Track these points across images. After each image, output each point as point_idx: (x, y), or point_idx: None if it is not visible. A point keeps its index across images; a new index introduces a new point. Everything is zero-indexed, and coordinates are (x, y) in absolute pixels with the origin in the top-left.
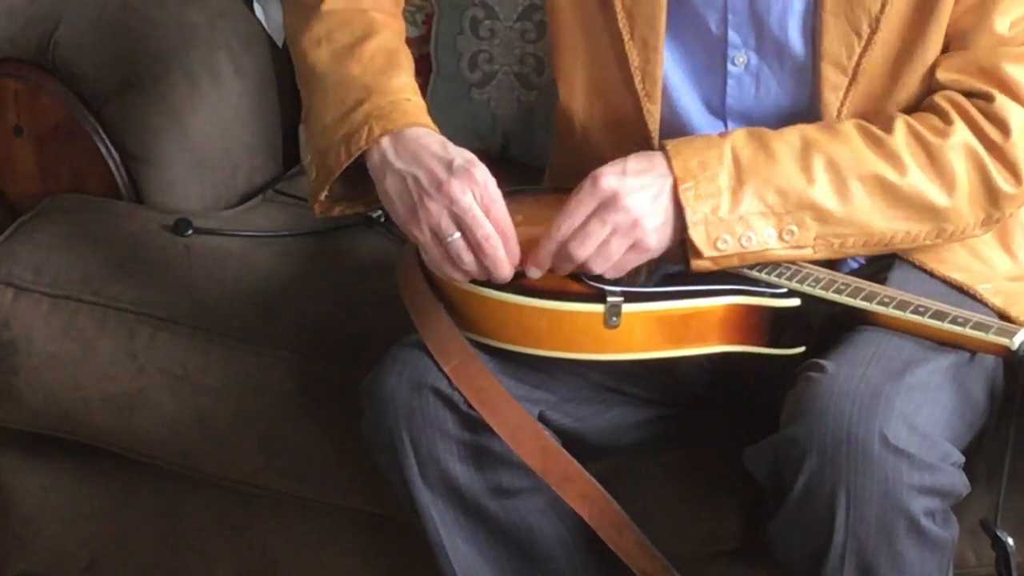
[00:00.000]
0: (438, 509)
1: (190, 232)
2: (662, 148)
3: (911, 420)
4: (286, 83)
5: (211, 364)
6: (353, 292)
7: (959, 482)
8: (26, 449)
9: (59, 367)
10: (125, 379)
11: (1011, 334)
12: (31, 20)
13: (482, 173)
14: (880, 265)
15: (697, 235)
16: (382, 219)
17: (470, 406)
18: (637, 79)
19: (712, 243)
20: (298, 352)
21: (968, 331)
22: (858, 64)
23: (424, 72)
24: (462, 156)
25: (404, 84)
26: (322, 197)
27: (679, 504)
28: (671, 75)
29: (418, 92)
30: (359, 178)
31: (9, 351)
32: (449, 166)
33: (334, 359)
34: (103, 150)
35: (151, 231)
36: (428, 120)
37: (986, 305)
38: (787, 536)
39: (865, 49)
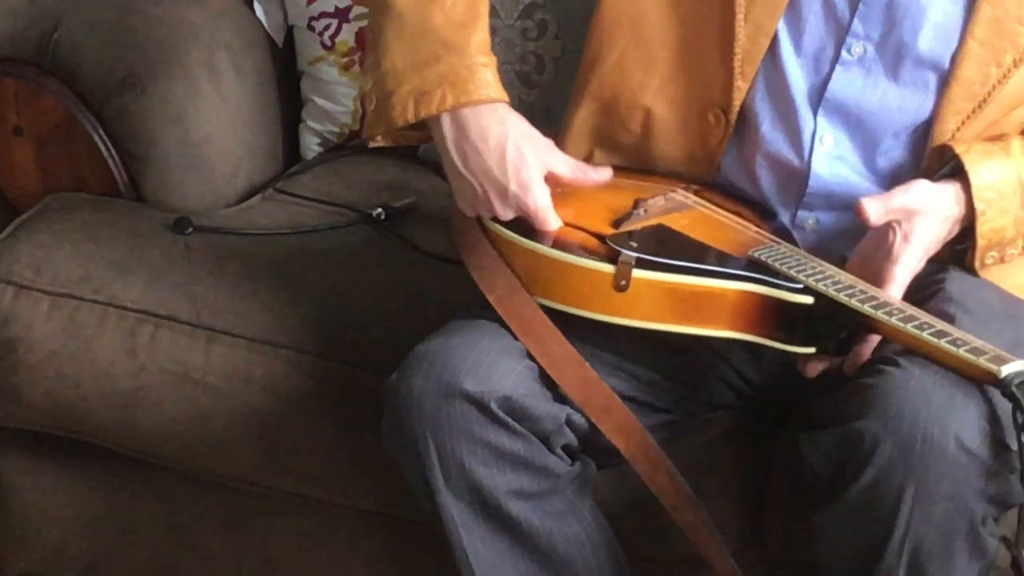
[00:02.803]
0: (459, 511)
1: (190, 230)
2: (958, 169)
3: (986, 424)
4: (286, 83)
5: (211, 362)
6: (354, 290)
7: (1017, 492)
8: (26, 449)
9: (59, 365)
10: (125, 377)
11: (1003, 362)
12: (31, 20)
13: (534, 198)
14: (937, 267)
15: (978, 257)
16: (382, 217)
17: (501, 406)
18: (737, 60)
19: (983, 260)
20: (298, 350)
21: (961, 353)
22: (989, 95)
23: None
24: (516, 178)
25: (482, 42)
26: (379, 138)
27: None
28: (779, 53)
29: (490, 49)
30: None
31: (9, 349)
32: (504, 194)
33: (334, 357)
34: (103, 150)
35: (151, 229)
36: (499, 90)
37: None
38: (841, 527)
39: (1001, 80)
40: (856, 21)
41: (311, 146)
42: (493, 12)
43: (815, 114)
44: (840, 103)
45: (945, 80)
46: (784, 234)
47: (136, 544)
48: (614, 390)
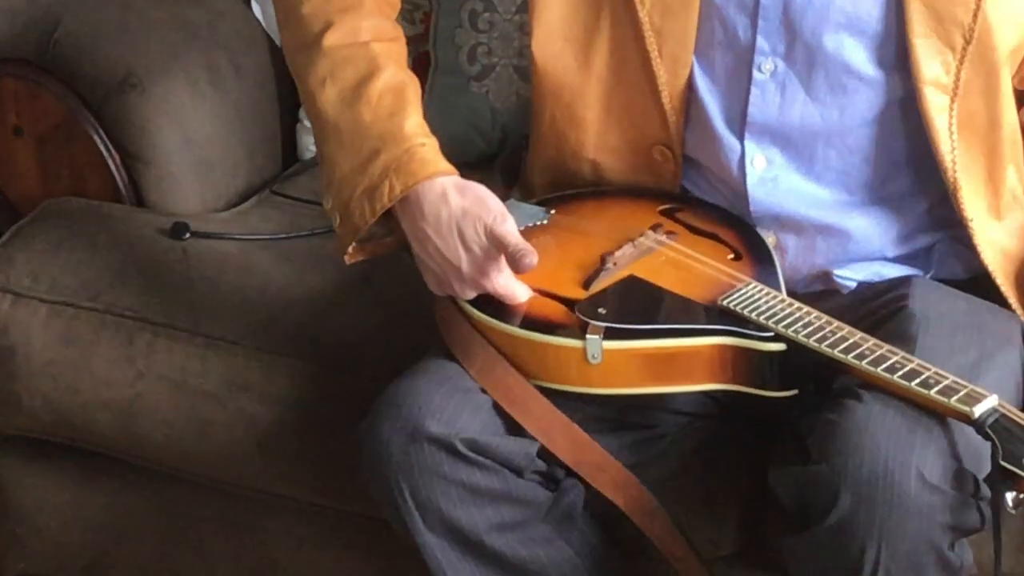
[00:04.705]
0: (442, 550)
1: (188, 236)
2: None
3: (949, 456)
4: (286, 83)
5: (209, 369)
6: (351, 295)
7: (986, 517)
8: (26, 450)
9: (57, 373)
10: (123, 385)
11: (976, 401)
12: (31, 20)
13: (489, 281)
14: (899, 281)
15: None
16: None
17: (468, 447)
18: (665, 96)
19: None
20: (297, 356)
21: (933, 394)
22: (957, 79)
23: (423, 68)
24: (467, 259)
25: (416, 125)
26: (350, 250)
27: (678, 512)
28: (695, 85)
29: (427, 131)
30: (385, 216)
31: (7, 357)
32: (460, 275)
33: (333, 363)
34: (103, 150)
35: (149, 235)
36: (442, 163)
37: None
38: (810, 561)
39: (962, 60)
40: (760, 38)
41: (309, 146)
42: (491, 7)
43: (741, 139)
44: (763, 124)
45: (914, 82)
46: (764, 251)
47: (136, 544)
48: (598, 415)
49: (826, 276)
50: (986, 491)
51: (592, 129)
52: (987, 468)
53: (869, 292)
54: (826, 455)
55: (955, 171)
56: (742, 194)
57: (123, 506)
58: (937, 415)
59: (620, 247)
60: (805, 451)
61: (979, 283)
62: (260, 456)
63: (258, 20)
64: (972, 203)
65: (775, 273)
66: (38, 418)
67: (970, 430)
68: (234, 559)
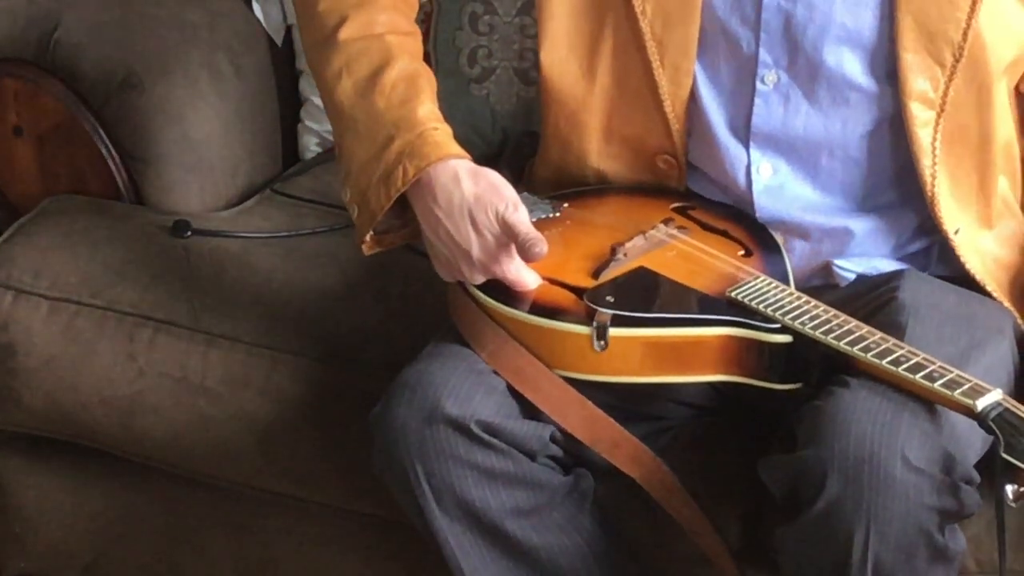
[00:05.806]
0: (455, 534)
1: (189, 233)
2: None
3: (934, 439)
4: (286, 83)
5: (211, 366)
6: (353, 292)
7: (974, 502)
8: (26, 449)
9: (58, 370)
10: (124, 382)
11: (979, 395)
12: (31, 20)
13: (499, 267)
14: (892, 274)
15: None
16: None
17: (483, 429)
18: (667, 105)
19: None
20: (298, 354)
21: (937, 387)
22: (945, 95)
23: None
24: (477, 244)
25: (429, 112)
26: (368, 238)
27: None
28: (698, 95)
29: (441, 117)
30: (401, 208)
31: (8, 354)
32: (470, 260)
33: (334, 360)
34: (103, 150)
35: (150, 233)
36: (455, 147)
37: None
38: (800, 549)
39: (951, 77)
40: (762, 50)
41: (310, 146)
42: (491, 9)
43: (747, 147)
44: (768, 134)
45: (900, 96)
46: (775, 249)
47: (136, 544)
48: (606, 404)
49: (826, 268)
50: (973, 475)
51: (595, 137)
52: (973, 453)
53: (863, 286)
54: (813, 440)
55: (933, 185)
56: (747, 201)
57: (123, 506)
58: (923, 399)
59: (631, 239)
60: (787, 445)
61: (973, 284)
62: (260, 454)
63: (258, 20)
64: (956, 216)
65: (785, 270)
66: (38, 415)
67: (956, 415)
68: (234, 558)
